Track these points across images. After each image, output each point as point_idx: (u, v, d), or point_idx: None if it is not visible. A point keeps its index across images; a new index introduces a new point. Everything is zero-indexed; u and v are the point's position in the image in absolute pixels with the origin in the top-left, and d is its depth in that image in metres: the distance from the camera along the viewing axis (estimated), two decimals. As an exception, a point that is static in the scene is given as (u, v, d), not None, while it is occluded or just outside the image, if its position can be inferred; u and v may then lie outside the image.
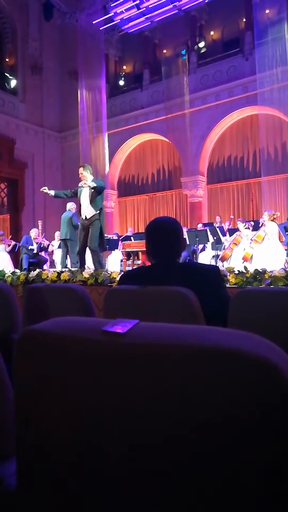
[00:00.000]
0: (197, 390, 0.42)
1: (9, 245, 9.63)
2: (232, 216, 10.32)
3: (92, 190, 5.14)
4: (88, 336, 0.51)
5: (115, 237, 9.78)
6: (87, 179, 5.25)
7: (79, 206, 5.33)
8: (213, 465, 0.42)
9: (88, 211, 5.21)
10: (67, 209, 7.48)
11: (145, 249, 1.66)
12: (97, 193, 5.16)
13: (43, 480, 0.57)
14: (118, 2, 11.85)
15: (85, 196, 5.23)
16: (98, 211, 5.19)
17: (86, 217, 5.22)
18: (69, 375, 0.52)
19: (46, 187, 5.65)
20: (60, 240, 7.45)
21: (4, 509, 0.66)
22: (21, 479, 0.60)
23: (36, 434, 0.57)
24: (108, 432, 0.49)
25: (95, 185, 5.10)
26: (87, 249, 5.33)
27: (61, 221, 7.38)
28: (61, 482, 0.55)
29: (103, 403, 0.49)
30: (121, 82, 14.87)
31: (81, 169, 5.31)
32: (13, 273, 5.51)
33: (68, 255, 7.43)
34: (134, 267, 6.62)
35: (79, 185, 5.35)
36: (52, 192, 5.55)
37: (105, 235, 10.01)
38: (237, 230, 8.06)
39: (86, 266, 5.43)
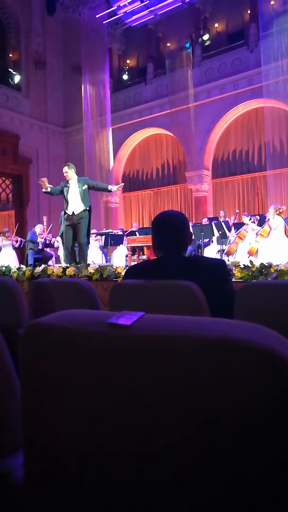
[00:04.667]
0: (204, 382, 0.42)
1: (16, 241, 9.66)
2: (237, 211, 10.27)
3: (85, 187, 5.28)
4: (93, 329, 0.50)
5: (120, 232, 9.76)
6: (72, 178, 5.39)
7: (65, 203, 5.40)
8: (225, 461, 0.42)
9: (78, 206, 5.30)
10: None
11: (151, 242, 1.65)
12: (89, 189, 5.33)
13: (50, 473, 0.57)
14: (121, -5, 11.76)
15: (74, 192, 5.33)
16: (87, 208, 5.31)
17: (74, 213, 5.31)
18: (75, 368, 0.52)
19: (45, 180, 5.68)
20: None
21: (12, 500, 0.67)
22: (28, 472, 0.61)
23: (43, 428, 0.57)
24: (115, 426, 0.49)
25: (94, 184, 5.30)
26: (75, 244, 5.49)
27: None
28: (67, 476, 0.55)
29: (108, 395, 0.49)
30: (125, 77, 14.78)
31: (65, 168, 5.45)
32: (19, 268, 5.53)
33: None
34: (139, 262, 6.59)
35: (63, 183, 5.46)
36: (48, 189, 5.60)
37: (110, 230, 10.05)
38: (242, 224, 8.02)
39: (91, 261, 5.45)
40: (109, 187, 5.66)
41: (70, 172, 5.39)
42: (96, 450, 0.51)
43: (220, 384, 0.41)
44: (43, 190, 5.56)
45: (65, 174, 5.41)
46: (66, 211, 5.38)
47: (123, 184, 5.65)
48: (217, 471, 0.42)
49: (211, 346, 0.42)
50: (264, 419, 0.39)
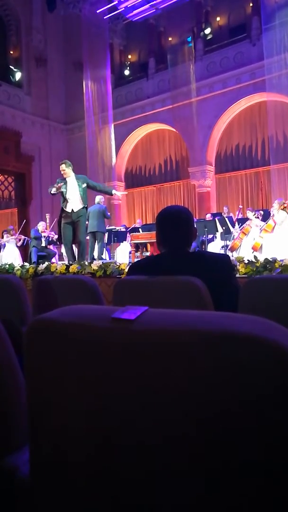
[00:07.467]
0: (208, 375, 0.42)
1: (19, 240, 9.68)
2: (241, 206, 10.24)
3: (85, 185, 5.32)
4: (97, 324, 0.50)
5: (123, 229, 9.76)
6: (70, 175, 5.40)
7: (64, 201, 5.39)
8: (227, 453, 0.42)
9: (77, 204, 5.33)
10: (96, 202, 7.59)
11: (155, 238, 1.64)
12: (88, 189, 5.39)
13: (56, 468, 0.57)
14: (122, -10, 11.68)
15: (74, 190, 5.34)
16: (85, 206, 5.38)
17: (73, 210, 5.33)
18: (79, 363, 0.52)
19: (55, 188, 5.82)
20: (89, 232, 7.44)
21: (18, 497, 0.67)
22: (34, 468, 0.61)
23: (48, 423, 0.57)
24: (119, 420, 0.49)
25: (96, 185, 5.41)
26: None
27: (90, 214, 7.37)
28: (73, 470, 0.55)
29: (113, 389, 0.49)
30: (127, 72, 14.71)
31: (63, 166, 5.45)
32: (22, 266, 5.54)
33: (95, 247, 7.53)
34: (142, 258, 6.59)
35: (60, 180, 5.46)
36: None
37: (113, 227, 10.07)
38: (246, 219, 7.99)
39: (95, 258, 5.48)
40: (113, 191, 5.78)
41: (67, 170, 5.41)
42: (101, 444, 0.51)
43: (224, 377, 0.41)
44: (53, 191, 5.60)
45: (62, 172, 5.44)
46: (65, 209, 5.38)
47: (126, 192, 5.80)
48: (219, 464, 0.42)
49: (214, 339, 0.42)
50: (266, 411, 0.39)
